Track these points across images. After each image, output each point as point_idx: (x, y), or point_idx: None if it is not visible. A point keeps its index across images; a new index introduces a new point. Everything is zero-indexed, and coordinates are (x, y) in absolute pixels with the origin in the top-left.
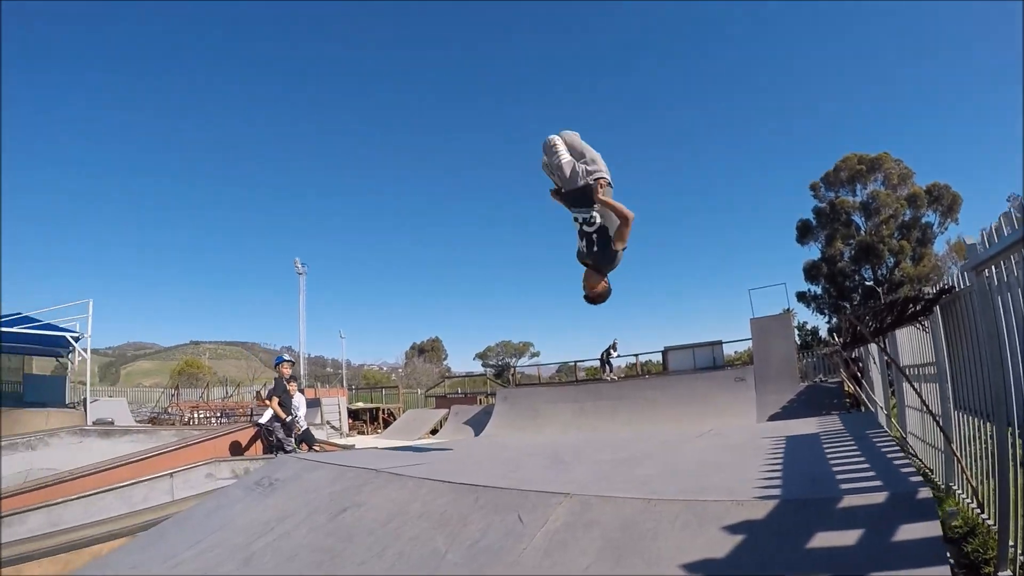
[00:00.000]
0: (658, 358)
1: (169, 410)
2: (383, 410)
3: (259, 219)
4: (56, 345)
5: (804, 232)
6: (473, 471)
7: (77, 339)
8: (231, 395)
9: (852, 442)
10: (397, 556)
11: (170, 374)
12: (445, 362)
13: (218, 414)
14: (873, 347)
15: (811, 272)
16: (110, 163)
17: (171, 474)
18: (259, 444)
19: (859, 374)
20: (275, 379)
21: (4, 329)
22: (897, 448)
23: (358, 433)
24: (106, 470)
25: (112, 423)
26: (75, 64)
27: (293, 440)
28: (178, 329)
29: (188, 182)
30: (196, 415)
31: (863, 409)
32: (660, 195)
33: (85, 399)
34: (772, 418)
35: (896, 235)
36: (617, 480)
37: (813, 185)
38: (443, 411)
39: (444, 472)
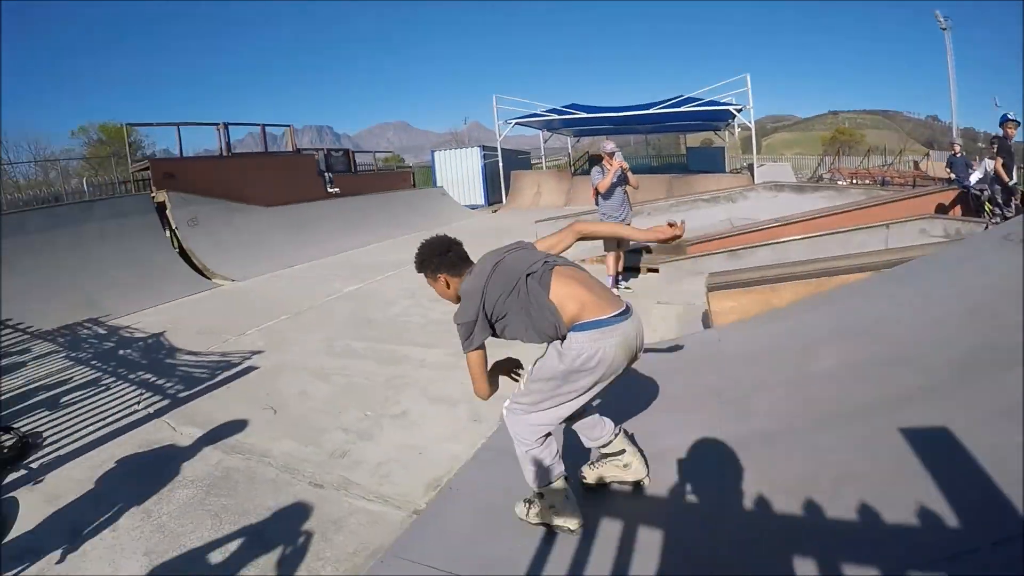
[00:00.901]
0: None
1: (824, 176)
2: None
3: None
4: (713, 120)
5: None
6: None
7: (740, 110)
8: (890, 164)
9: None
10: None
11: (821, 142)
12: None
13: (879, 181)
14: None
15: None
16: None
17: (887, 225)
18: (959, 208)
19: None
20: (998, 139)
21: (671, 110)
22: None
23: None
24: (819, 217)
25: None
26: None
27: (1013, 207)
28: (816, 99)
29: None
30: (855, 181)
31: None
32: None
33: (751, 164)
34: None
35: None
36: None
37: None
38: None
39: None
